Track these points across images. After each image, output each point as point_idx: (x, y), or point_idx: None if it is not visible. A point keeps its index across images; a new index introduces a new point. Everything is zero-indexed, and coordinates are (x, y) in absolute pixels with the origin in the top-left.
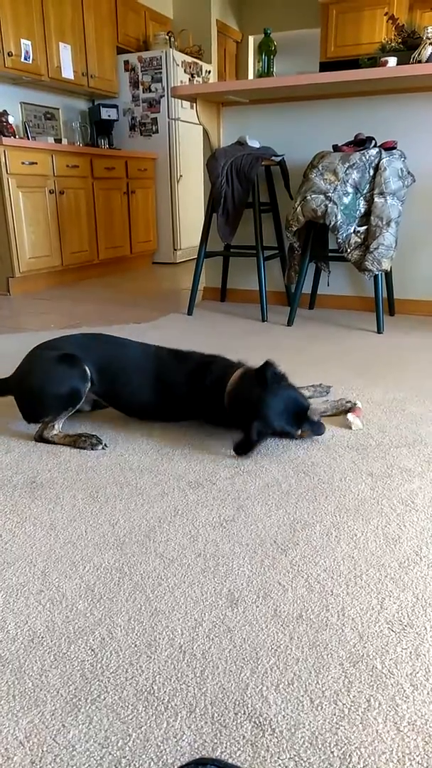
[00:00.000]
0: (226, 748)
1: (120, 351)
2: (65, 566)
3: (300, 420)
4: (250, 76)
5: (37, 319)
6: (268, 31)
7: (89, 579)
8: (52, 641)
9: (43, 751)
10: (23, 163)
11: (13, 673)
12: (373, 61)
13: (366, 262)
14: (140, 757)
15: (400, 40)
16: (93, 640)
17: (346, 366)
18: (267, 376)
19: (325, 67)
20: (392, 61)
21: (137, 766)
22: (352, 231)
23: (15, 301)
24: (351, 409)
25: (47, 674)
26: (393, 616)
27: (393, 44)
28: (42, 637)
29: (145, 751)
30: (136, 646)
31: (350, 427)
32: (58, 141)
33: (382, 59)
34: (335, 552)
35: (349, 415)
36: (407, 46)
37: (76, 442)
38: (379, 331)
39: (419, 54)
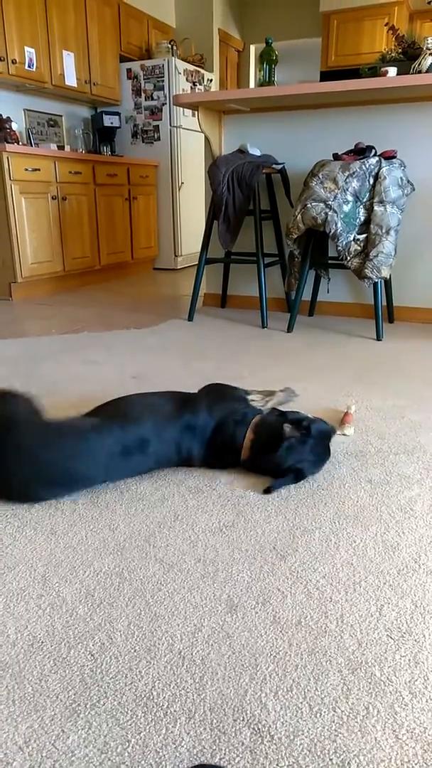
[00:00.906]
0: (225, 754)
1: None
2: (65, 571)
3: (329, 444)
4: (252, 84)
5: (39, 324)
6: (270, 41)
7: (89, 584)
8: (51, 646)
9: (42, 756)
10: (26, 169)
11: (13, 678)
12: (374, 71)
13: (365, 270)
14: (139, 763)
15: (400, 50)
16: (93, 645)
17: (346, 372)
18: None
19: (325, 76)
20: (392, 71)
21: None
22: (351, 239)
23: (17, 306)
24: (344, 415)
25: (47, 679)
26: (392, 623)
27: (393, 54)
28: (42, 642)
29: (144, 756)
30: (135, 651)
31: (345, 434)
32: (60, 148)
33: (383, 69)
34: (334, 559)
35: (338, 431)
36: (407, 56)
37: None
38: (378, 338)
39: (419, 64)
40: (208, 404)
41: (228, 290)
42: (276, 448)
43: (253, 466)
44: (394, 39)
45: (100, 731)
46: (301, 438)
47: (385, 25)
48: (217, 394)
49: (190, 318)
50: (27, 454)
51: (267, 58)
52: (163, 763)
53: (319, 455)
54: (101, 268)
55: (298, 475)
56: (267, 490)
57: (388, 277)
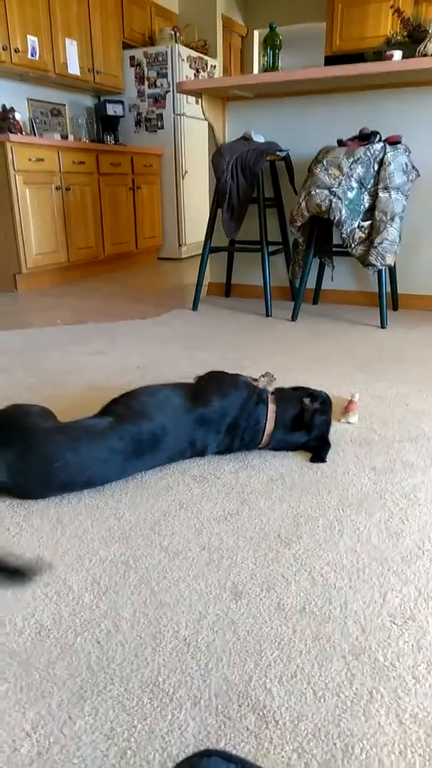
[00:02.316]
0: (230, 739)
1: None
2: (71, 559)
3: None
4: (256, 70)
5: (44, 315)
6: (274, 26)
7: (95, 572)
8: (58, 633)
9: (49, 742)
10: (30, 159)
11: (21, 665)
12: (379, 55)
13: (370, 257)
14: (145, 749)
15: (405, 34)
16: (99, 633)
17: (350, 361)
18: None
19: (330, 61)
20: (398, 54)
21: (142, 757)
22: (356, 226)
23: (21, 297)
24: (348, 403)
25: (54, 666)
26: (395, 609)
27: (399, 37)
28: (49, 630)
29: (150, 742)
30: (141, 638)
31: (349, 422)
32: (64, 137)
33: (388, 53)
34: (338, 546)
35: (342, 419)
36: (413, 39)
37: None
38: (382, 326)
39: (425, 47)
40: (220, 394)
41: (232, 279)
42: (302, 421)
43: (279, 441)
44: (399, 22)
45: (107, 717)
46: (321, 408)
47: (391, 8)
48: (220, 381)
49: (195, 307)
50: (42, 459)
51: (271, 44)
52: (169, 748)
53: (329, 422)
54: (105, 258)
55: (326, 442)
56: (320, 459)
57: (393, 264)
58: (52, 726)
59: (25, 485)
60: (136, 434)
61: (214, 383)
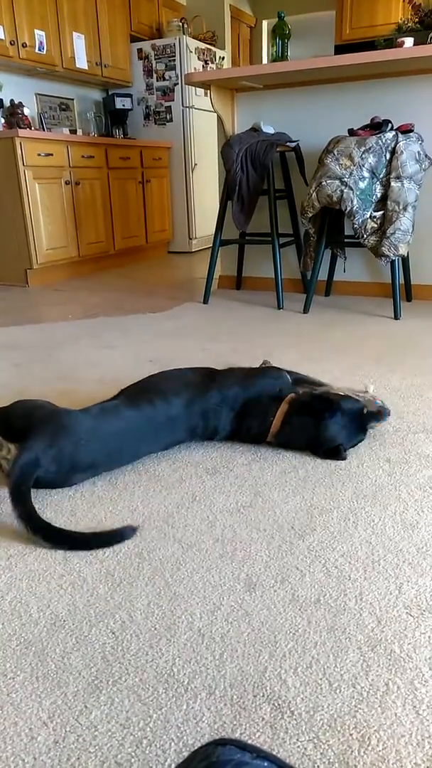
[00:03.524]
0: (245, 729)
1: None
2: (85, 551)
3: (363, 422)
4: (264, 61)
5: (56, 310)
6: (282, 15)
7: (109, 564)
8: (73, 624)
9: (66, 731)
10: (39, 154)
11: (36, 655)
12: (390, 42)
13: (382, 248)
14: (161, 738)
15: (417, 20)
16: (114, 624)
17: (363, 352)
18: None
19: (340, 50)
20: (409, 41)
21: (158, 746)
22: (368, 216)
23: (33, 293)
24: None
25: (69, 656)
26: (411, 600)
27: (410, 24)
28: (64, 620)
29: (166, 731)
30: (155, 629)
31: None
32: (73, 132)
33: (399, 40)
34: (353, 537)
35: None
36: (424, 25)
37: None
38: (396, 317)
39: None
40: (239, 379)
41: (243, 272)
42: (312, 426)
43: (284, 441)
44: (410, 8)
45: (122, 707)
46: (332, 416)
47: None
48: (247, 370)
49: (206, 301)
50: (69, 438)
51: (279, 33)
52: (185, 737)
53: (351, 433)
54: (116, 252)
55: (338, 455)
56: (331, 458)
57: (406, 254)
58: (68, 715)
59: (57, 470)
60: (149, 408)
61: (240, 371)
